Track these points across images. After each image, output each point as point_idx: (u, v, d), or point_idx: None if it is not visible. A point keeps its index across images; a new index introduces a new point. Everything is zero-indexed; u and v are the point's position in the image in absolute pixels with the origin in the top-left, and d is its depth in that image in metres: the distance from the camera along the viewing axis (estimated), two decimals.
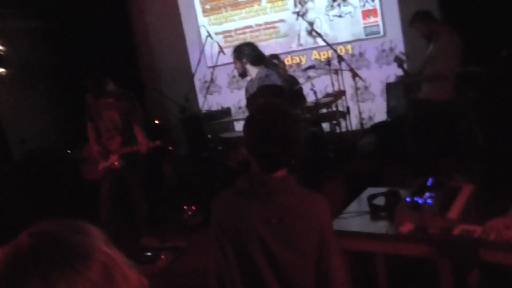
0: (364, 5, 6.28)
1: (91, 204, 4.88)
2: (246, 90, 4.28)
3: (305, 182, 4.68)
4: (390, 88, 6.11)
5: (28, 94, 6.56)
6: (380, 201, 2.82)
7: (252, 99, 4.11)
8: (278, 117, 1.72)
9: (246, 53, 4.03)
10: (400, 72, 4.90)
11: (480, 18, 5.40)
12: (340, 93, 5.61)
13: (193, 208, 4.68)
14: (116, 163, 4.34)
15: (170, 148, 4.26)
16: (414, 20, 4.53)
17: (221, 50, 5.67)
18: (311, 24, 6.16)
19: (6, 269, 0.74)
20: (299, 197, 1.75)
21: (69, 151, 5.51)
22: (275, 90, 3.88)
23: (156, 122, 5.82)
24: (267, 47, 6.59)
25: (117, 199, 4.52)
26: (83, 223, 0.85)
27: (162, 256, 4.12)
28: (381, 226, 2.62)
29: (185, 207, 4.83)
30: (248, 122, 1.78)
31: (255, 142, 1.74)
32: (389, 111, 6.05)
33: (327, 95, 5.95)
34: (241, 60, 4.04)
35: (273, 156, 1.72)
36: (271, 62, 4.60)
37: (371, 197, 2.86)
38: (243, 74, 4.13)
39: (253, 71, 4.05)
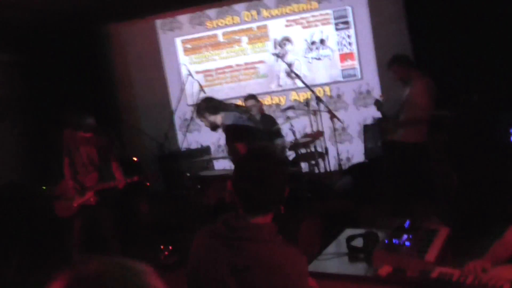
0: (341, 49, 6.47)
1: (63, 242, 4.75)
2: None
3: (282, 221, 4.69)
4: (367, 130, 6.23)
5: (2, 128, 6.45)
6: (358, 242, 2.82)
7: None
8: (263, 161, 1.73)
9: (203, 107, 4.17)
10: (378, 114, 5.01)
11: (452, 64, 5.61)
12: (319, 134, 5.68)
13: (170, 247, 4.58)
14: (91, 199, 4.26)
15: (148, 184, 4.24)
16: (393, 63, 4.67)
17: (201, 88, 5.72)
18: (290, 65, 6.29)
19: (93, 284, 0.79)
20: (274, 248, 1.68)
21: (44, 187, 5.41)
22: (236, 131, 3.99)
23: (134, 159, 5.77)
24: (247, 87, 6.71)
25: (89, 237, 4.42)
26: (132, 261, 0.89)
27: None
28: (359, 268, 2.60)
29: (162, 247, 4.73)
30: (237, 162, 1.83)
31: (237, 181, 1.75)
32: (366, 153, 6.14)
33: (306, 135, 6.02)
34: (204, 116, 4.17)
35: (252, 198, 1.70)
36: (243, 105, 4.72)
37: (350, 239, 2.86)
38: (213, 127, 4.23)
39: (218, 120, 4.17)
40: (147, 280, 0.85)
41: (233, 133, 3.99)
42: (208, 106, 4.15)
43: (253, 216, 1.72)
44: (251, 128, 4.14)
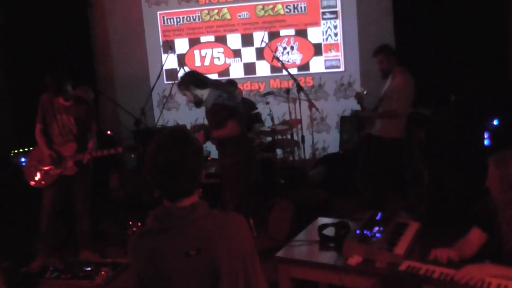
0: (326, 39, 6.47)
1: (30, 211, 4.65)
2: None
3: (254, 206, 4.70)
4: (344, 122, 6.28)
5: None
6: (330, 231, 2.85)
7: (206, 116, 4.10)
8: (172, 145, 1.65)
9: (190, 80, 4.01)
10: (357, 107, 5.04)
11: (434, 64, 5.69)
12: (296, 122, 5.70)
13: (139, 224, 4.54)
14: (72, 170, 4.15)
15: (132, 156, 4.15)
16: (380, 52, 4.69)
17: (181, 66, 5.65)
18: (275, 53, 6.25)
19: None
20: (214, 221, 1.67)
21: (12, 154, 5.26)
22: (226, 108, 3.89)
23: (108, 133, 5.66)
24: (230, 71, 6.66)
25: (60, 209, 4.32)
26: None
27: (103, 272, 3.95)
28: (329, 257, 2.64)
29: (130, 223, 4.68)
30: (146, 152, 1.69)
31: (151, 173, 1.66)
32: (342, 144, 6.19)
33: (284, 122, 6.03)
34: (189, 89, 4.00)
35: (171, 187, 1.65)
36: (226, 87, 4.60)
37: (322, 227, 2.89)
38: (198, 102, 4.07)
39: (204, 95, 4.03)
40: None
41: (221, 111, 3.90)
42: (195, 80, 4.01)
43: (180, 202, 1.67)
44: (238, 110, 4.05)
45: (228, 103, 3.91)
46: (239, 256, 1.66)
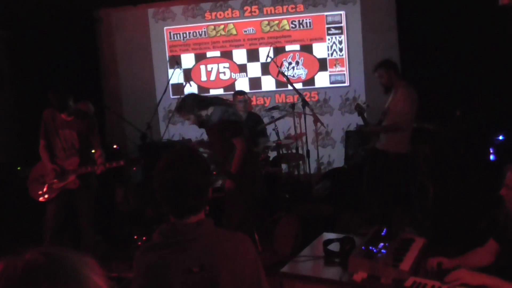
0: (332, 54, 6.51)
1: (35, 225, 4.67)
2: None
3: (259, 220, 4.69)
4: (349, 136, 6.28)
5: None
6: (335, 247, 2.84)
7: (210, 132, 4.12)
8: (181, 163, 1.68)
9: (192, 103, 4.02)
10: (360, 121, 5.05)
11: (438, 79, 5.71)
12: (301, 134, 5.71)
13: (144, 238, 4.54)
14: (74, 183, 4.17)
15: (134, 168, 4.16)
16: (380, 66, 4.71)
17: (187, 81, 5.69)
18: (280, 68, 6.29)
19: (22, 277, 0.79)
20: (219, 239, 1.68)
21: (19, 168, 5.30)
22: (233, 125, 3.90)
23: (115, 146, 5.69)
24: (236, 86, 6.71)
25: (63, 223, 4.33)
26: (83, 254, 0.90)
27: None
28: (334, 272, 2.62)
29: (136, 237, 4.68)
30: (155, 168, 1.72)
31: (159, 190, 1.68)
32: (347, 158, 6.19)
33: (289, 137, 6.05)
34: (193, 113, 4.00)
35: (178, 204, 1.67)
36: (230, 100, 4.63)
37: (327, 242, 2.88)
38: (202, 123, 4.07)
39: (208, 114, 4.03)
40: (83, 272, 0.84)
41: (229, 127, 3.89)
42: (197, 102, 4.01)
43: (186, 218, 1.69)
44: (243, 124, 4.05)
45: (235, 119, 3.92)
46: (243, 277, 1.66)
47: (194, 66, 6.98)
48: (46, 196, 4.24)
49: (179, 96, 5.78)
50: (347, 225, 5.08)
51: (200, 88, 6.95)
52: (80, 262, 0.85)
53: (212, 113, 4.00)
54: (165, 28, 7.00)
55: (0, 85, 6.70)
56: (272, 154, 5.93)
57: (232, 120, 3.91)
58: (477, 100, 5.33)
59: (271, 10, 6.67)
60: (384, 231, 2.87)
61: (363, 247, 2.62)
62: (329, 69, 6.55)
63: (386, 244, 2.66)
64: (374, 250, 2.59)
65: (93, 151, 4.36)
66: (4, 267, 0.80)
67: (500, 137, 4.95)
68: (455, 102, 5.39)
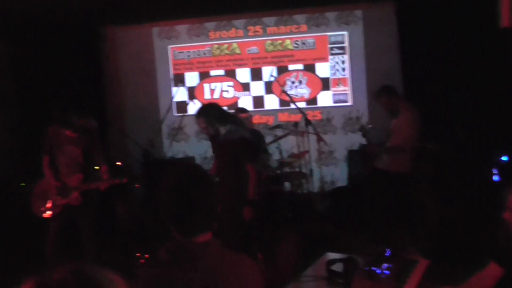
0: (334, 73, 6.56)
1: (37, 241, 4.65)
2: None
3: (261, 239, 4.67)
4: (352, 156, 6.29)
5: None
6: (338, 267, 2.82)
7: (221, 148, 4.08)
8: (188, 182, 1.68)
9: (213, 114, 3.94)
10: (364, 141, 5.06)
11: (441, 99, 5.73)
12: (304, 152, 5.72)
13: (146, 256, 4.52)
14: (76, 200, 4.17)
15: (137, 185, 4.16)
16: (380, 93, 4.74)
17: (191, 99, 5.73)
18: (283, 87, 6.34)
19: None
20: (224, 261, 1.68)
21: (22, 184, 5.31)
22: (251, 148, 3.87)
23: (118, 163, 5.71)
24: (239, 104, 6.74)
25: (65, 239, 4.32)
26: (101, 269, 0.92)
27: None
28: None
29: (138, 254, 4.66)
30: (161, 187, 1.71)
31: (166, 209, 1.68)
32: (350, 178, 6.18)
33: (292, 155, 6.05)
34: (210, 122, 3.91)
35: (186, 222, 1.66)
36: (239, 116, 4.60)
37: (330, 263, 2.86)
38: (214, 136, 3.98)
39: (222, 130, 3.98)
40: None
41: (250, 149, 3.84)
42: (218, 115, 3.92)
43: (194, 237, 1.68)
44: (251, 141, 3.99)
45: (253, 141, 3.88)
46: None
47: (198, 84, 7.03)
48: (49, 212, 4.24)
49: (182, 114, 5.81)
50: (350, 245, 5.05)
51: None
52: (108, 280, 0.87)
53: (228, 131, 3.95)
54: (169, 46, 7.08)
55: (5, 101, 6.75)
56: (275, 172, 5.93)
57: (251, 143, 3.88)
58: (481, 120, 5.34)
59: (274, 30, 6.75)
60: (387, 252, 2.86)
61: (366, 268, 2.61)
62: (332, 89, 6.60)
63: (390, 265, 2.64)
64: (378, 271, 2.57)
65: (97, 167, 4.38)
66: (36, 286, 0.81)
67: (504, 158, 4.95)
68: (458, 122, 5.41)
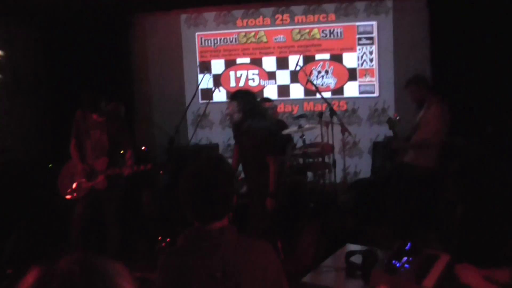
0: (362, 64, 6.47)
1: (62, 222, 4.77)
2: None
3: (283, 228, 4.69)
4: (376, 147, 6.22)
5: (17, 103, 6.51)
6: (357, 259, 2.82)
7: (244, 138, 4.11)
8: (207, 170, 1.72)
9: (249, 103, 3.93)
10: (390, 133, 5.00)
11: (471, 94, 5.60)
12: (329, 148, 5.65)
13: (168, 240, 4.59)
14: (102, 184, 4.26)
15: (161, 172, 4.22)
16: (410, 82, 4.66)
17: (217, 86, 5.74)
18: (309, 77, 6.29)
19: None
20: (242, 247, 1.71)
21: (50, 165, 5.44)
22: (271, 141, 3.88)
23: (143, 148, 5.79)
24: (265, 93, 6.74)
25: (90, 222, 4.42)
26: (114, 261, 0.94)
27: None
28: (355, 285, 2.61)
29: (160, 238, 4.74)
30: (182, 174, 1.76)
31: (185, 195, 1.72)
32: (374, 170, 6.12)
33: (315, 145, 6.02)
34: (243, 109, 3.89)
35: (203, 209, 1.70)
36: (263, 105, 4.60)
37: (349, 254, 2.86)
38: (240, 122, 3.98)
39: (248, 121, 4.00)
40: (116, 281, 0.88)
41: (268, 144, 3.86)
42: (251, 106, 3.91)
43: (210, 224, 1.71)
44: (273, 132, 4.00)
45: (276, 133, 3.89)
46: (265, 285, 1.67)
47: (223, 72, 7.04)
48: (74, 194, 4.34)
49: (207, 101, 5.83)
50: (371, 237, 5.02)
51: (229, 94, 7.00)
52: (113, 271, 0.88)
53: (254, 120, 3.94)
54: (196, 33, 7.10)
55: (36, 85, 6.91)
56: (298, 162, 5.92)
57: (274, 136, 3.89)
58: (510, 116, 5.20)
59: (302, 19, 6.69)
60: (408, 246, 2.83)
61: (385, 261, 2.59)
62: (358, 79, 6.52)
63: (410, 259, 2.62)
64: (397, 265, 2.55)
65: (122, 151, 4.45)
66: (40, 278, 0.84)
67: None
68: (488, 117, 5.28)
